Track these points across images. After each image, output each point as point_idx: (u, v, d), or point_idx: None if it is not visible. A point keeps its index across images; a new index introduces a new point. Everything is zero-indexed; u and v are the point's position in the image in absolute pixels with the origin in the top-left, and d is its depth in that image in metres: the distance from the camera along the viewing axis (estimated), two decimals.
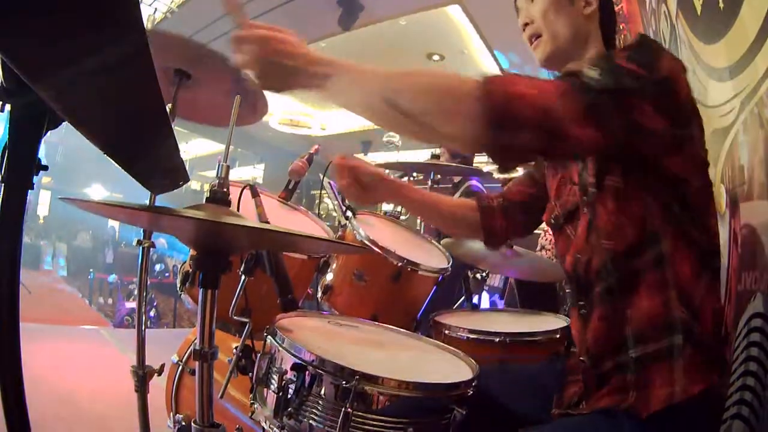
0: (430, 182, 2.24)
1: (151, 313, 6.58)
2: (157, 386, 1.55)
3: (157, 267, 9.21)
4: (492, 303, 3.55)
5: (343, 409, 0.78)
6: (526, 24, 1.03)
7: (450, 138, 0.82)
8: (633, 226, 0.86)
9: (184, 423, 1.28)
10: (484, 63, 6.34)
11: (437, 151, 2.82)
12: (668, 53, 0.85)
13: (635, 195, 0.86)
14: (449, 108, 0.77)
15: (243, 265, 1.02)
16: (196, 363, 0.79)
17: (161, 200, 1.26)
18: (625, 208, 0.87)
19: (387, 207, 2.62)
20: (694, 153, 0.86)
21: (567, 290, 1.03)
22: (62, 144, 9.88)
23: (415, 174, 2.74)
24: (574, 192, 0.99)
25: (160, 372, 1.54)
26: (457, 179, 2.92)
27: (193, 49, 1.44)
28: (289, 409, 0.83)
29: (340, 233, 1.57)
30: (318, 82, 0.79)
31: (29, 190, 0.63)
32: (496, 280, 3.47)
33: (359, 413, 0.80)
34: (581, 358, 0.95)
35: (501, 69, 6.30)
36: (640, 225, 0.86)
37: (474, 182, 2.95)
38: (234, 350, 0.99)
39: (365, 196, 1.23)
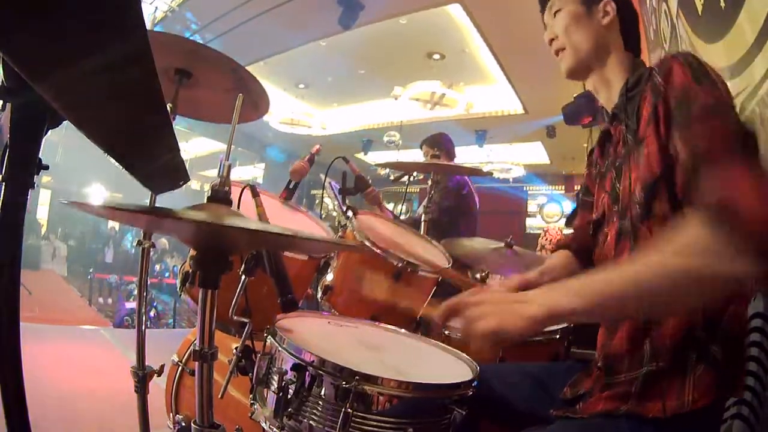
0: (429, 182, 2.23)
1: (151, 314, 6.57)
2: (157, 386, 1.55)
3: (158, 267, 9.22)
4: None
5: (343, 410, 0.78)
6: (552, 39, 1.08)
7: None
8: None
9: (183, 423, 1.28)
10: (485, 62, 6.35)
11: (437, 152, 2.82)
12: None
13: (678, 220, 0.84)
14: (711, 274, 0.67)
15: (243, 265, 1.02)
16: (196, 363, 0.78)
17: (161, 200, 1.26)
18: None
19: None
20: None
21: None
22: (62, 144, 9.87)
23: (414, 174, 2.73)
24: (606, 200, 1.01)
25: (159, 372, 1.54)
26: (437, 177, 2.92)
27: (194, 48, 1.44)
28: (289, 409, 0.83)
29: (340, 233, 1.56)
30: (565, 319, 0.75)
31: (29, 190, 0.63)
32: (496, 280, 3.47)
33: (359, 414, 0.80)
34: (598, 364, 0.95)
35: (502, 68, 6.30)
36: None
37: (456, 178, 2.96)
38: (234, 351, 0.99)
39: None
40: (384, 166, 2.72)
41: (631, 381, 0.85)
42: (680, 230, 0.70)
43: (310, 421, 0.82)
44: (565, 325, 1.47)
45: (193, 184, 12.49)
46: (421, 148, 3.22)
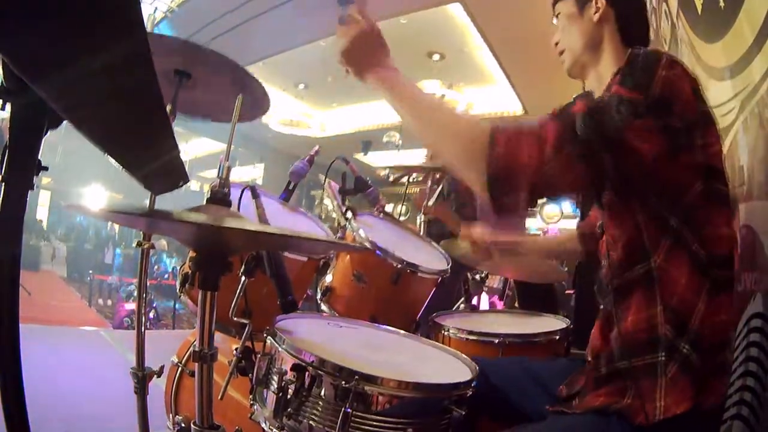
0: (429, 182, 2.24)
1: (151, 315, 6.56)
2: (157, 388, 1.55)
3: (156, 268, 9.20)
4: (491, 304, 3.55)
5: (342, 410, 0.78)
6: (557, 42, 1.11)
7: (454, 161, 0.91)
8: (625, 240, 0.89)
9: (183, 424, 1.28)
10: (485, 62, 6.35)
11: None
12: (663, 62, 0.81)
13: (626, 209, 0.88)
14: (458, 150, 0.88)
15: (243, 266, 1.02)
16: (196, 364, 0.78)
17: (161, 200, 1.26)
18: (618, 224, 0.90)
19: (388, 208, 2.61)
20: (691, 160, 0.83)
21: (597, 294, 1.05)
22: (62, 144, 9.86)
23: (415, 175, 2.74)
24: None
25: (159, 373, 1.54)
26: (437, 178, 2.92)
27: (193, 50, 1.44)
28: (289, 409, 0.83)
29: (340, 234, 1.56)
30: (376, 85, 0.89)
31: (29, 190, 0.63)
32: (495, 281, 3.47)
33: (359, 413, 0.80)
34: (589, 357, 0.97)
35: (502, 68, 6.30)
36: (631, 240, 0.88)
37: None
38: (234, 351, 0.99)
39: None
40: (389, 168, 2.74)
41: (619, 375, 0.86)
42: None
43: (310, 422, 0.82)
44: (564, 326, 1.48)
45: (193, 185, 12.48)
46: None
